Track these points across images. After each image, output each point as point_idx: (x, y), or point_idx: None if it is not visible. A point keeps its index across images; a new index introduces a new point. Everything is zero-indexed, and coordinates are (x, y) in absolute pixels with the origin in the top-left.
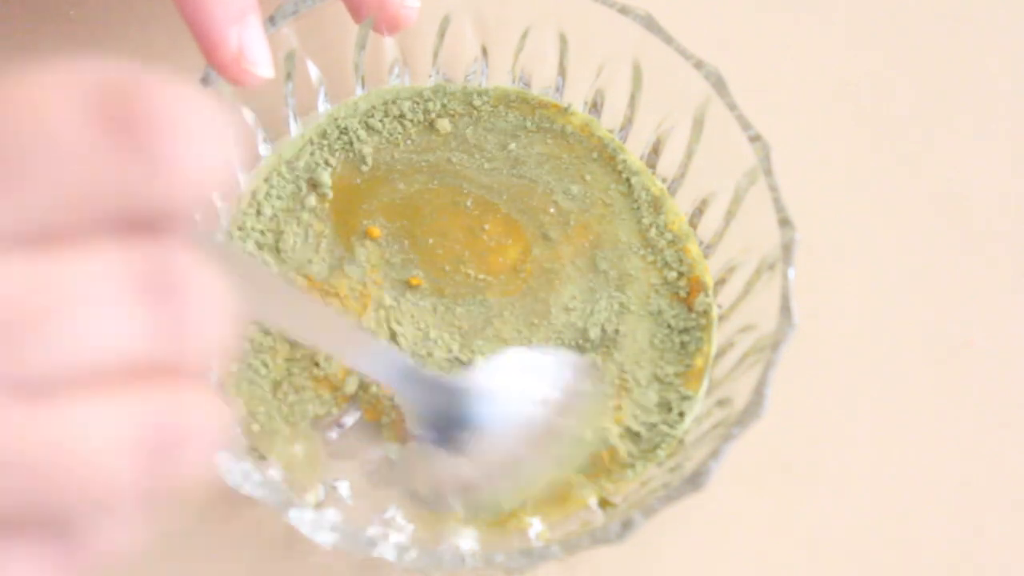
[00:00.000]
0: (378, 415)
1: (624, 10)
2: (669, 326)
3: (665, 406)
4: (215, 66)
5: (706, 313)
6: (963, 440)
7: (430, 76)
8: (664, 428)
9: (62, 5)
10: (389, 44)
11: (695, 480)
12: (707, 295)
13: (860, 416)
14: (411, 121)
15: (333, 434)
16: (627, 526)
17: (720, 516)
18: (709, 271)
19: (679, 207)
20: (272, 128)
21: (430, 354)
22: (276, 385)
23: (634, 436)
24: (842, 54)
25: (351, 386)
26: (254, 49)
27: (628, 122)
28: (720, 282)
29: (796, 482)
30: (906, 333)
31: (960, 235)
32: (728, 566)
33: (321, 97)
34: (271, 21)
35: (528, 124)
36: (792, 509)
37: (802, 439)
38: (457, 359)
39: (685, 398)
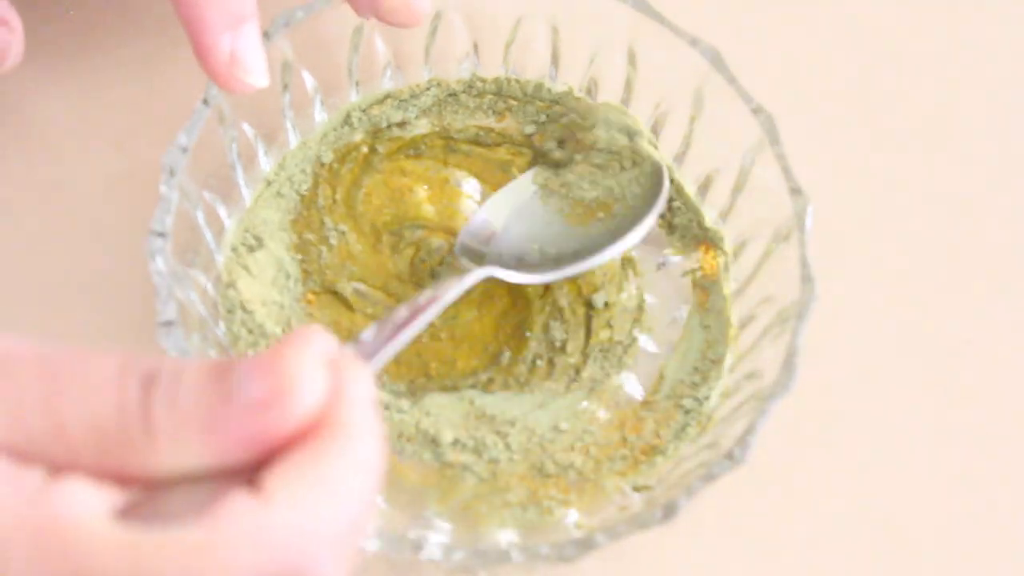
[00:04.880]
0: None
1: None
2: None
3: None
4: (207, 72)
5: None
6: (962, 439)
7: (423, 74)
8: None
9: (62, 5)
10: (381, 47)
11: (733, 456)
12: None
13: (859, 415)
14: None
15: None
16: (671, 509)
17: (720, 516)
18: None
19: (684, 185)
20: (271, 141)
21: None
22: None
23: None
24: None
25: None
26: (247, 57)
27: (626, 106)
28: (733, 256)
29: (795, 482)
30: (906, 332)
31: (960, 235)
32: (729, 566)
33: (317, 106)
34: (266, 35)
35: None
36: (791, 509)
37: (801, 439)
38: None
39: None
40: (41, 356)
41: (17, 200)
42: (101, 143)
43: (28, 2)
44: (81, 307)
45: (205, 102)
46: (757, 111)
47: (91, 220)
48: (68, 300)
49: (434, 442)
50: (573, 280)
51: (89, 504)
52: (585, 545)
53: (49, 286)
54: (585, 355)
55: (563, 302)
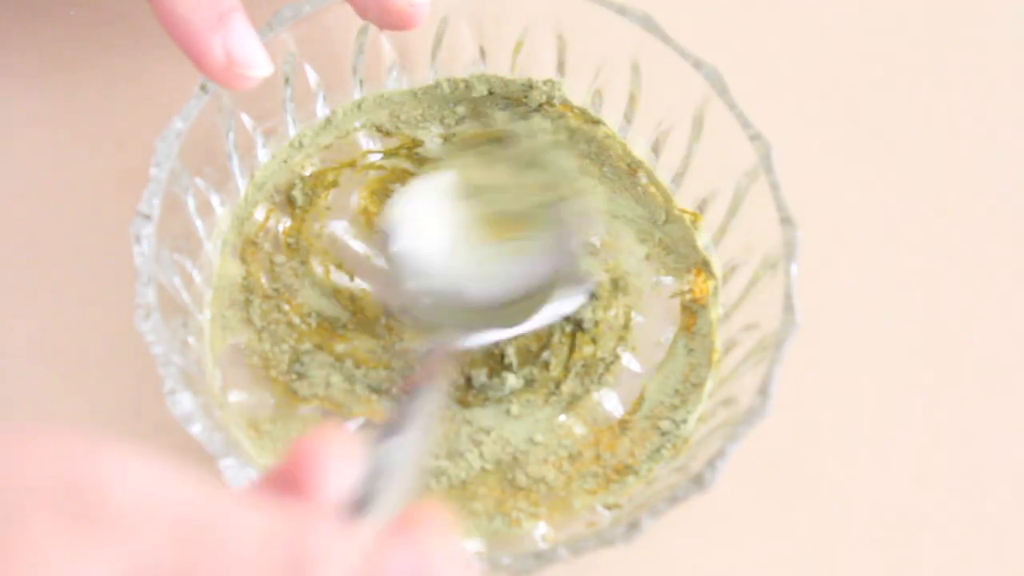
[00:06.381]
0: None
1: (622, 10)
2: None
3: None
4: (207, 76)
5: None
6: (963, 439)
7: (428, 78)
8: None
9: (62, 5)
10: (387, 47)
11: (700, 480)
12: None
13: (860, 415)
14: None
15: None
16: (633, 527)
17: (721, 517)
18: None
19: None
20: (270, 133)
21: None
22: (284, 391)
23: None
24: (841, 53)
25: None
26: (243, 52)
27: (628, 122)
28: (722, 281)
29: (796, 482)
30: (906, 332)
31: (960, 235)
32: (729, 566)
33: (320, 102)
34: (269, 26)
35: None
36: (792, 509)
37: (802, 439)
38: None
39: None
40: (177, 516)
41: (16, 198)
42: (102, 141)
43: (28, 2)
44: (74, 304)
45: (203, 88)
46: (755, 138)
47: (91, 217)
48: (62, 298)
49: None
50: None
51: None
52: (545, 558)
53: (45, 284)
54: (567, 369)
55: None
